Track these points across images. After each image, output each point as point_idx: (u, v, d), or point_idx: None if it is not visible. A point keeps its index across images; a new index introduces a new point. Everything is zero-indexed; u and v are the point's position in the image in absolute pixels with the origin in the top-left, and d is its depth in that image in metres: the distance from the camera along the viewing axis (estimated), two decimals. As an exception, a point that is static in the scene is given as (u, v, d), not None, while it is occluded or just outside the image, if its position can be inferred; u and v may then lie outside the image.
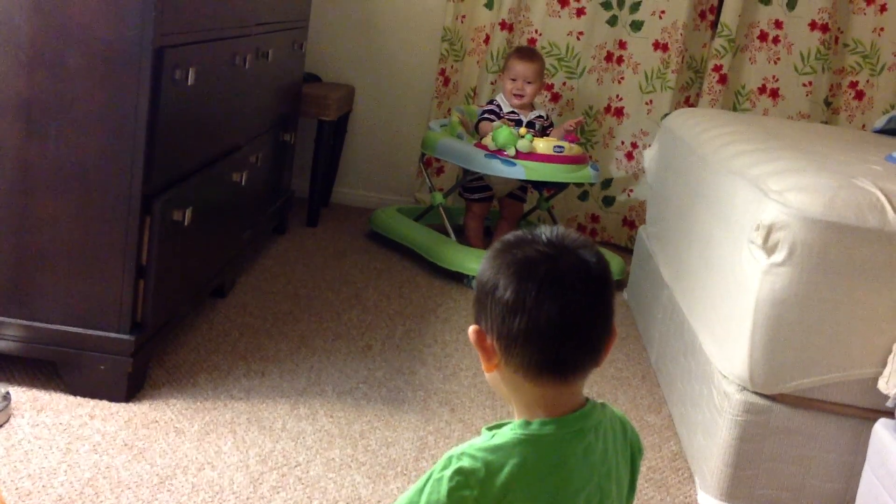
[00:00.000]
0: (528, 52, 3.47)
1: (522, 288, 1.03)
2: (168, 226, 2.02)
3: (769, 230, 1.79)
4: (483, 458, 1.02)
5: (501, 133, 3.16)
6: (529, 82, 3.40)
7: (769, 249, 1.79)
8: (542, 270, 1.03)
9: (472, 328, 1.08)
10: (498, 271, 1.04)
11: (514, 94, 3.41)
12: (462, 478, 1.01)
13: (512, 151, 3.12)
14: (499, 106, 3.44)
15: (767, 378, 1.83)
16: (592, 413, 1.08)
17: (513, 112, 3.42)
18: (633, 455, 1.15)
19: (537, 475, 1.04)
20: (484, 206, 3.49)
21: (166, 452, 1.85)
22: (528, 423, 1.06)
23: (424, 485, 1.03)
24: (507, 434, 1.05)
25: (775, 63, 3.76)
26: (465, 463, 1.02)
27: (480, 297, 1.07)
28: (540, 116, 3.47)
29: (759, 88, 3.79)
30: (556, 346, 1.03)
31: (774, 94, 3.78)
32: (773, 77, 3.77)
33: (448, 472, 1.02)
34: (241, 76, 2.48)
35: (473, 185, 3.44)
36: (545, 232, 1.07)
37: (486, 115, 3.42)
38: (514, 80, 3.40)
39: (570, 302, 1.03)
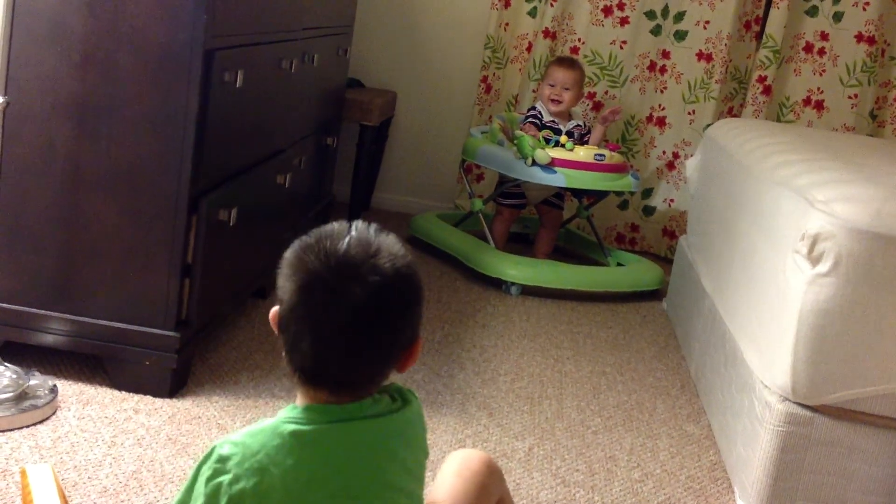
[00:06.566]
0: (569, 61, 3.48)
1: (290, 309, 1.05)
2: (214, 225, 2.05)
3: (815, 240, 1.78)
4: (242, 442, 1.03)
5: (522, 143, 3.16)
6: (567, 88, 3.40)
7: (814, 260, 1.78)
8: (308, 298, 1.04)
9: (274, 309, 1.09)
10: (286, 278, 1.06)
11: (552, 100, 3.41)
12: (220, 465, 1.02)
13: (529, 161, 3.13)
14: (540, 113, 3.45)
15: (810, 389, 1.82)
16: (365, 407, 1.08)
17: (552, 121, 3.43)
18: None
19: (295, 458, 1.03)
20: (514, 212, 3.51)
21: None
22: (294, 408, 1.07)
23: (193, 481, 1.04)
24: (273, 419, 1.07)
25: (820, 75, 3.73)
26: (225, 449, 1.03)
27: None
28: (578, 125, 3.47)
29: (803, 100, 3.76)
30: (314, 370, 1.06)
31: (819, 106, 3.75)
32: (818, 89, 3.74)
33: (209, 462, 1.03)
34: (288, 80, 2.51)
35: (508, 192, 3.45)
36: (337, 241, 1.05)
37: (529, 120, 3.43)
38: (552, 85, 3.41)
39: (321, 338, 1.03)
